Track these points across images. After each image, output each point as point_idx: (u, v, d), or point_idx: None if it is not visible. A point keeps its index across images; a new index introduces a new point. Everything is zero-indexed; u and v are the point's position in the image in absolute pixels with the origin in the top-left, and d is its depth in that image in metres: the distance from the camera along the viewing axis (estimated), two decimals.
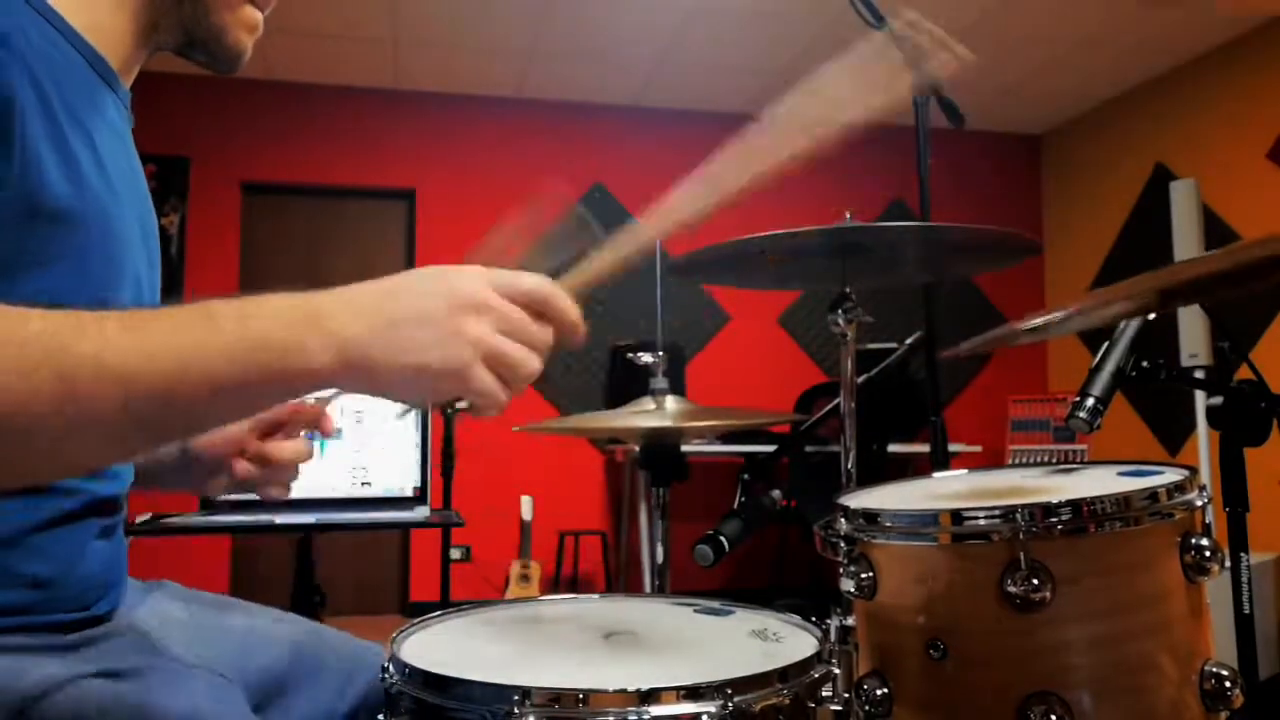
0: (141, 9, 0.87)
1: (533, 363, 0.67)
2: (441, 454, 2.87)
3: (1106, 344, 1.16)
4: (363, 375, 0.63)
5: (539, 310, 0.69)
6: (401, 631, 0.90)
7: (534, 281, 0.69)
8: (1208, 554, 0.87)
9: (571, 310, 0.70)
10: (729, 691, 0.71)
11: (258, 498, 1.00)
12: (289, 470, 0.96)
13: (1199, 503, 0.90)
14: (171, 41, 0.92)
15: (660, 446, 1.49)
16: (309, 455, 0.97)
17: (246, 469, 0.95)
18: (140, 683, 0.79)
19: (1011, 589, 0.83)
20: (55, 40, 0.78)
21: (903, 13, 0.80)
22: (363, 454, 2.44)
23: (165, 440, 0.67)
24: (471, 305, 0.65)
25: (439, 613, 0.98)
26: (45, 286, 0.73)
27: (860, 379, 1.52)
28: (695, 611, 1.00)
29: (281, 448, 0.95)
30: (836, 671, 0.82)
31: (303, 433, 0.97)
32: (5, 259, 0.70)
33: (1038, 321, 1.00)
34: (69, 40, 0.80)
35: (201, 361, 0.59)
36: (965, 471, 1.21)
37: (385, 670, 0.80)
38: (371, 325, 0.62)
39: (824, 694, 0.80)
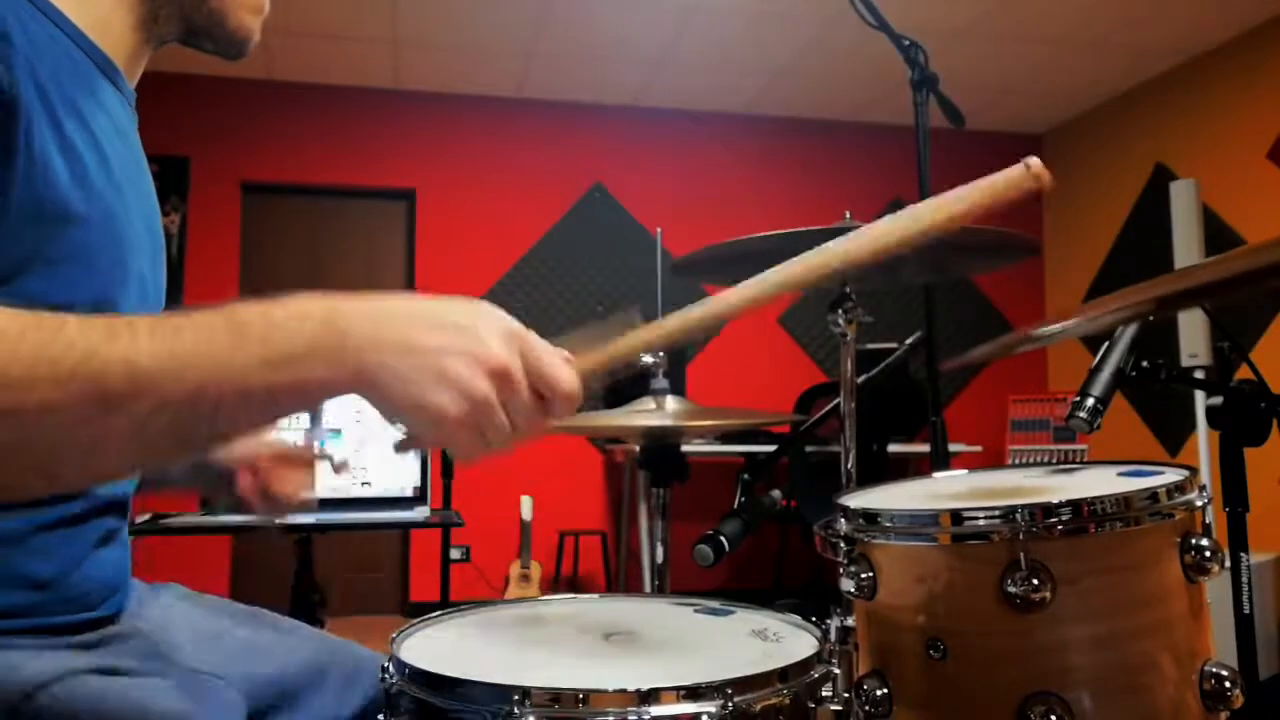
0: (140, 0, 0.86)
1: (511, 442, 0.67)
2: (441, 454, 2.86)
3: (1106, 344, 1.16)
4: (368, 392, 0.64)
5: (547, 395, 0.67)
6: (401, 631, 0.90)
7: (561, 373, 0.67)
8: (1208, 554, 0.87)
9: (574, 406, 0.69)
10: (729, 691, 0.71)
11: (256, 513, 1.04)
12: (285, 502, 1.01)
13: (1199, 503, 0.90)
14: (174, 32, 0.91)
15: (660, 446, 1.50)
16: (310, 496, 1.02)
17: (248, 485, 1.00)
18: (137, 682, 0.79)
19: (1011, 589, 0.83)
20: (57, 37, 0.77)
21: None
22: (363, 454, 2.44)
23: (191, 447, 0.67)
24: (490, 369, 0.64)
25: (439, 613, 0.98)
26: (51, 287, 0.72)
27: (860, 379, 1.52)
28: (695, 611, 1.00)
29: (286, 478, 1.00)
30: (836, 671, 0.82)
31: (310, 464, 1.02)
32: (12, 261, 0.70)
33: (1039, 332, 1.00)
34: (71, 37, 0.79)
35: (230, 373, 0.59)
36: (965, 471, 1.21)
37: (385, 670, 0.80)
38: (389, 350, 0.62)
39: (824, 694, 0.80)
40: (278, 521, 1.02)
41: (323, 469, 1.04)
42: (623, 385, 1.77)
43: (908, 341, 1.90)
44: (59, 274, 0.73)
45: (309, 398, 0.63)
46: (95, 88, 0.81)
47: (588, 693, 0.71)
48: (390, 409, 0.65)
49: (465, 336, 0.64)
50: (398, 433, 0.70)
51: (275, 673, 0.96)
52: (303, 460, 1.02)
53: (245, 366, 0.59)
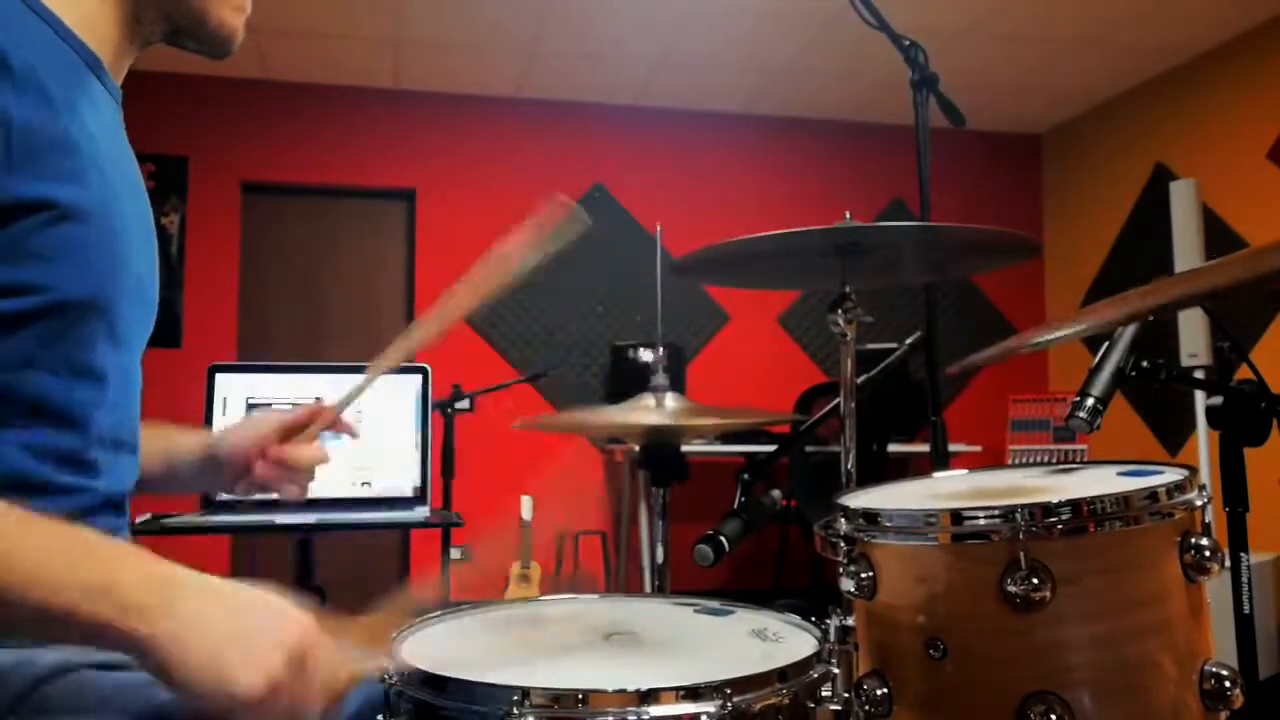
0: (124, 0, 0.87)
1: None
2: (441, 454, 2.86)
3: (1106, 344, 1.16)
4: (163, 671, 0.63)
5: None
6: (401, 631, 0.90)
7: (327, 685, 0.68)
8: (1208, 554, 0.87)
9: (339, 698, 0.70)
10: (729, 691, 0.71)
11: (265, 497, 1.04)
12: (305, 473, 1.01)
13: (1199, 502, 0.90)
14: (157, 32, 0.92)
15: (660, 446, 1.49)
16: (325, 459, 1.02)
17: (265, 470, 0.99)
18: (137, 675, 0.79)
19: (1011, 589, 0.83)
20: (47, 35, 0.78)
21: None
22: (363, 454, 2.44)
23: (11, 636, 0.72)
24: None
25: (439, 613, 0.98)
26: (47, 282, 0.74)
27: (860, 379, 1.52)
28: (695, 611, 1.00)
29: (299, 452, 1.01)
30: (836, 671, 0.82)
31: (322, 435, 1.02)
32: (7, 254, 0.71)
33: (1041, 339, 1.00)
34: (60, 35, 0.80)
35: (43, 587, 0.61)
36: (965, 471, 1.21)
37: (385, 670, 0.80)
38: (197, 647, 0.63)
39: (824, 694, 0.80)
40: (300, 497, 1.03)
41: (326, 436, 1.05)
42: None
43: (908, 341, 1.90)
44: (54, 269, 0.74)
45: (106, 642, 0.63)
46: (87, 85, 0.82)
47: (588, 693, 0.71)
48: (189, 690, 0.64)
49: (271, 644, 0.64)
50: None
51: None
52: (305, 426, 1.03)
53: (63, 590, 0.60)
